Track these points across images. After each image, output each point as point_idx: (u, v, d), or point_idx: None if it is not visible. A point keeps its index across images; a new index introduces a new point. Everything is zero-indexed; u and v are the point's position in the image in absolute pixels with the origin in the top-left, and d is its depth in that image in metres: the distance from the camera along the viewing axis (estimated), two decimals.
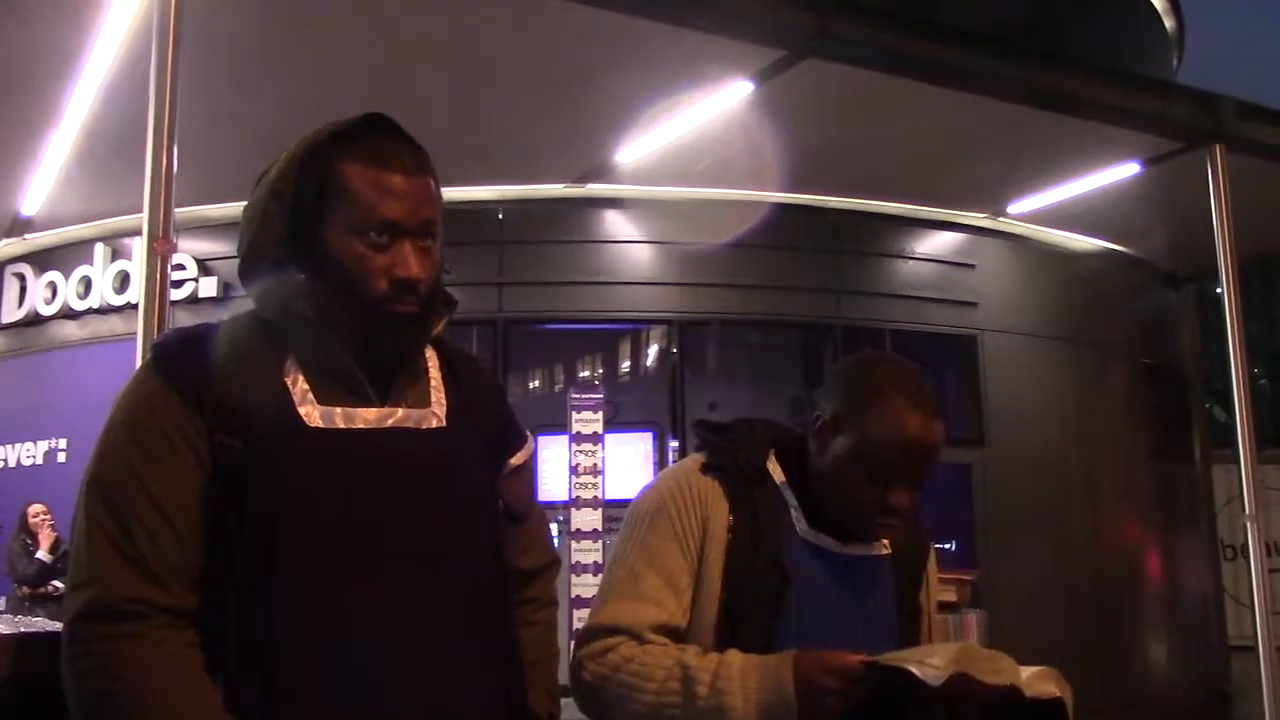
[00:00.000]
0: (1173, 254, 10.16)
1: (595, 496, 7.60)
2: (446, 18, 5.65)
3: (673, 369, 8.59)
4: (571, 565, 7.25)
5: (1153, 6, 14.56)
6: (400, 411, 1.62)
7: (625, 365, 10.43)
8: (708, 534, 1.85)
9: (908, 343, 8.59)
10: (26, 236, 9.01)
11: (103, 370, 7.58)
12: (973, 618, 6.28)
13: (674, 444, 8.32)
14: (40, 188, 7.87)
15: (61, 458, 8.77)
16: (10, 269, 9.27)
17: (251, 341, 1.59)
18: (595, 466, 7.65)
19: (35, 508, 8.35)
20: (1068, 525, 9.15)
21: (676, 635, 1.83)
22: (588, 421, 7.72)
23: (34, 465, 9.00)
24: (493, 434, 1.76)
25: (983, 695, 1.61)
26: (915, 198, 8.86)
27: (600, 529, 7.47)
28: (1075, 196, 8.43)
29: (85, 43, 5.66)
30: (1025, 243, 9.51)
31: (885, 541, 1.96)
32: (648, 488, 1.95)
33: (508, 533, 1.77)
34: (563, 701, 1.87)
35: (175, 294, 7.42)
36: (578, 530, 7.50)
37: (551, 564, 1.94)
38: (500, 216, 8.28)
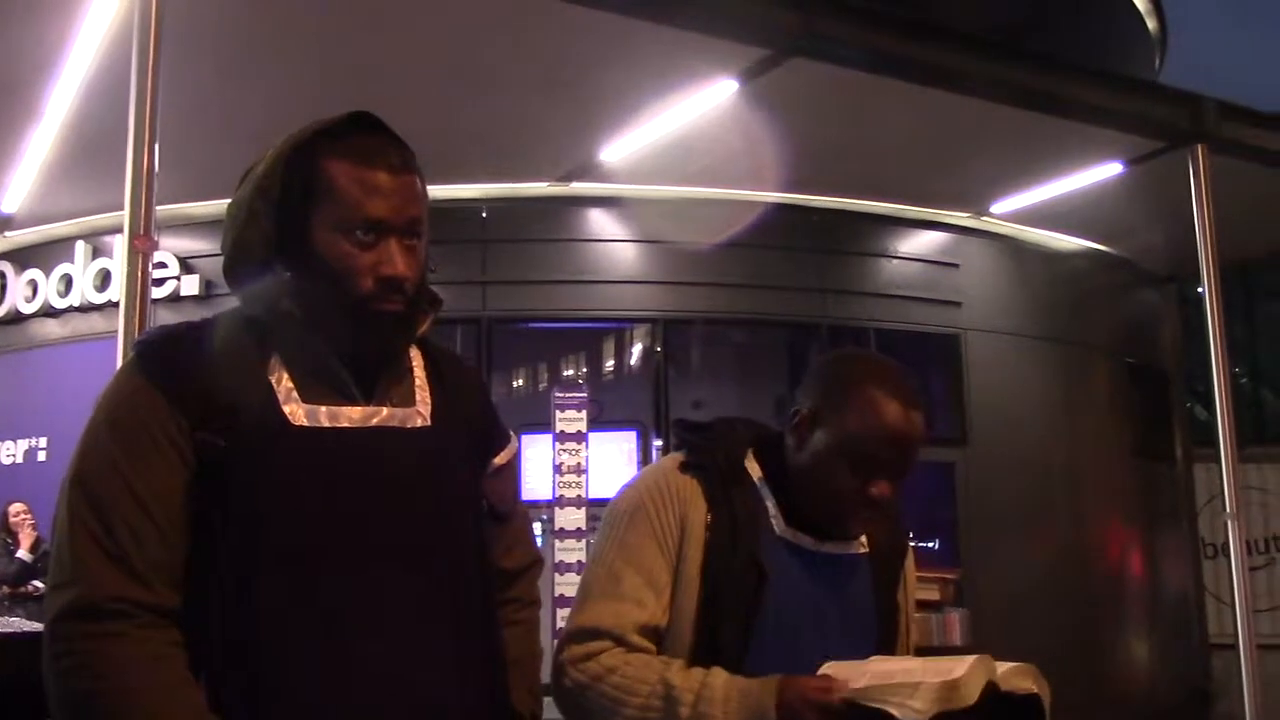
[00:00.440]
0: (1155, 254, 10.21)
1: (579, 495, 7.59)
2: (431, 15, 5.63)
3: (657, 368, 8.59)
4: (555, 564, 7.25)
5: (1135, 8, 14.63)
6: (385, 410, 1.61)
7: (609, 364, 10.42)
8: (686, 532, 1.85)
9: (892, 342, 8.61)
10: (7, 234, 8.96)
11: (83, 368, 7.54)
12: (955, 616, 6.30)
13: (658, 443, 8.32)
14: (20, 185, 7.82)
15: (42, 456, 8.72)
16: None
17: (236, 339, 1.58)
18: (579, 465, 7.64)
19: (15, 507, 8.30)
20: (1050, 524, 9.18)
21: (657, 634, 1.83)
22: (571, 420, 7.71)
23: (14, 464, 8.95)
24: (477, 433, 1.75)
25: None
26: (900, 197, 8.88)
27: (584, 528, 7.46)
28: (1058, 196, 8.46)
29: (66, 39, 5.62)
30: (1009, 242, 9.55)
31: (863, 540, 1.96)
32: (626, 487, 1.95)
33: (491, 532, 1.76)
34: (545, 700, 1.87)
35: (156, 292, 7.38)
36: (561, 529, 7.49)
37: (535, 564, 1.93)
38: (484, 215, 8.26)
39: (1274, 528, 15.69)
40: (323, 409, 1.56)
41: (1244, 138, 7.30)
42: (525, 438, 7.58)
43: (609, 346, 10.38)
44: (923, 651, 2.03)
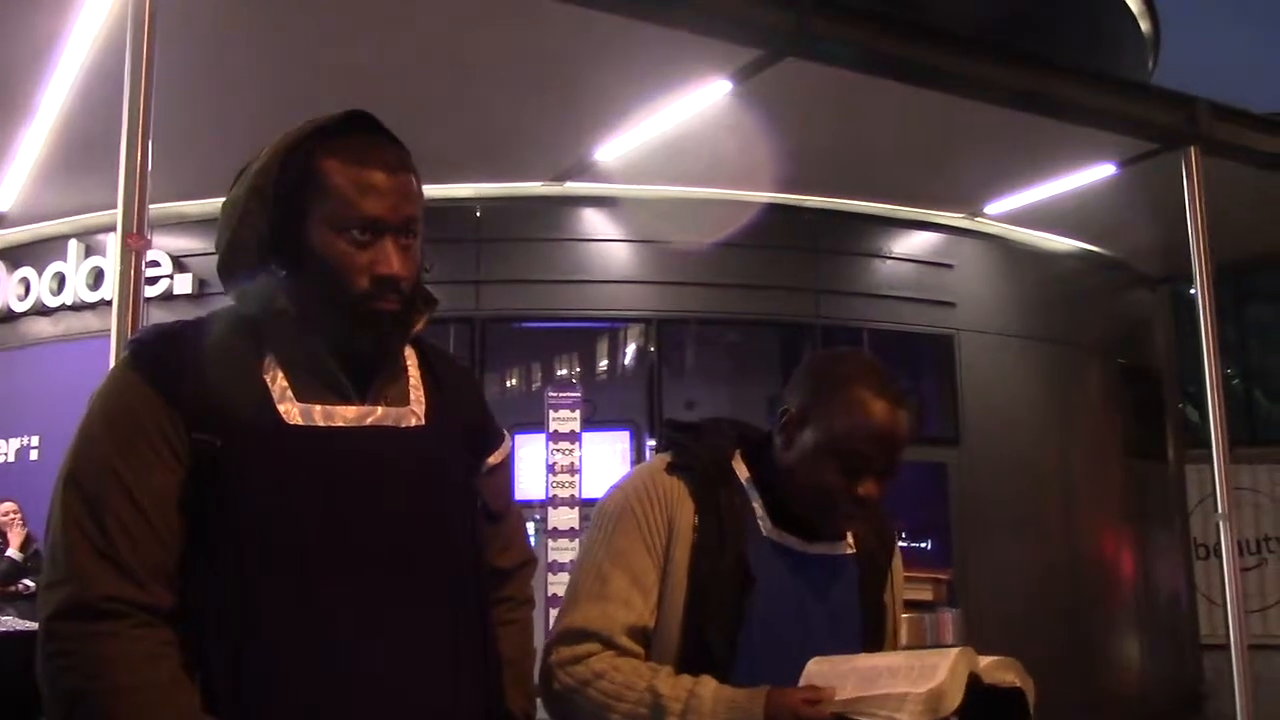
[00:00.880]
0: (1148, 255, 10.23)
1: (572, 495, 7.59)
2: (426, 14, 5.63)
3: (650, 368, 8.59)
4: (548, 564, 7.24)
5: (1128, 8, 14.65)
6: (379, 410, 1.61)
7: (603, 364, 10.41)
8: (673, 533, 1.85)
9: (885, 342, 8.62)
10: None
11: (76, 367, 7.52)
12: (948, 616, 6.31)
13: (651, 443, 8.32)
14: (13, 183, 7.80)
15: (34, 455, 8.70)
16: None
17: (230, 338, 1.58)
18: (572, 465, 7.64)
19: (5, 506, 8.28)
20: (1043, 524, 9.19)
21: (645, 635, 1.83)
22: (565, 420, 7.70)
23: (6, 463, 8.93)
24: (471, 433, 1.75)
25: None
26: (893, 198, 8.89)
27: (577, 528, 7.45)
28: (1052, 197, 8.47)
29: (60, 36, 5.61)
30: (1002, 243, 9.56)
31: (849, 540, 1.97)
32: (614, 488, 1.95)
33: (485, 532, 1.76)
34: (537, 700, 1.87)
35: (150, 290, 7.38)
36: (554, 529, 7.49)
37: (528, 563, 1.93)
38: (478, 214, 8.26)
39: (1265, 528, 15.74)
40: (317, 408, 1.56)
41: (1237, 139, 7.30)
42: (519, 437, 7.56)
43: (603, 346, 10.37)
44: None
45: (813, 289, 8.75)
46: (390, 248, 1.56)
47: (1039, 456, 9.38)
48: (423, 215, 1.61)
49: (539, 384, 10.72)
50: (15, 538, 8.20)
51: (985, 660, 1.69)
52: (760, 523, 1.89)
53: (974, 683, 1.64)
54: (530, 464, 7.70)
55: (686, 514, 1.86)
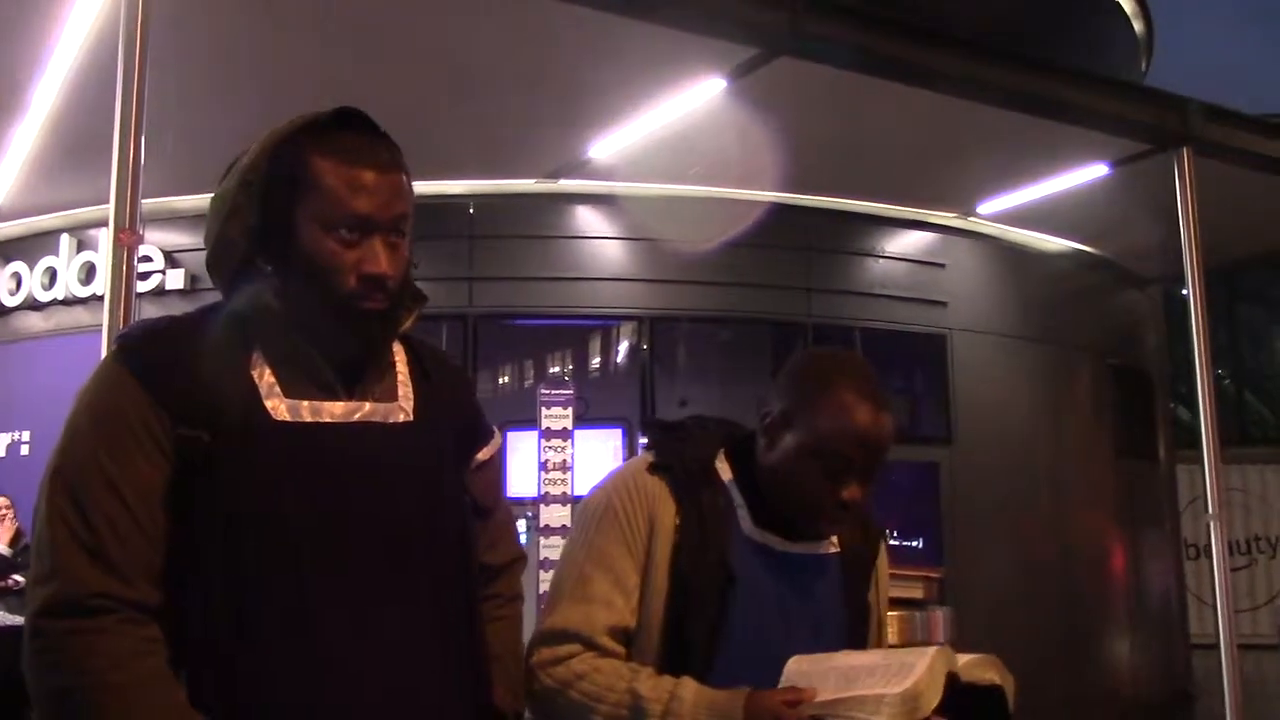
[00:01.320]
0: (1140, 256, 10.24)
1: (564, 493, 7.59)
2: (419, 12, 5.62)
3: (643, 365, 8.59)
4: (540, 561, 7.23)
5: (1122, 9, 14.67)
6: (367, 405, 1.61)
7: (595, 361, 10.41)
8: (654, 533, 1.85)
9: (878, 341, 8.63)
10: None
11: (67, 362, 7.49)
12: (939, 615, 6.30)
13: (644, 441, 8.30)
14: (5, 177, 7.77)
15: (25, 450, 8.67)
16: None
17: (218, 334, 1.58)
18: (564, 463, 7.63)
19: None
20: (1034, 523, 9.21)
21: (627, 635, 1.84)
22: (557, 417, 7.70)
23: None
24: (460, 428, 1.75)
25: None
26: (886, 197, 8.90)
27: (569, 525, 7.45)
28: (1044, 197, 8.49)
29: (53, 30, 5.59)
30: (994, 243, 9.57)
31: (834, 540, 1.97)
32: (596, 487, 1.95)
33: (474, 528, 1.76)
34: None
35: (141, 286, 7.33)
36: (546, 526, 7.48)
37: (518, 559, 1.93)
38: (471, 211, 8.25)
39: (1255, 529, 15.79)
40: (305, 404, 1.56)
41: (1229, 141, 7.32)
42: (511, 434, 7.57)
43: (595, 344, 10.37)
44: None
45: (805, 287, 8.76)
46: (378, 247, 1.55)
47: (1031, 456, 9.40)
48: (413, 213, 1.61)
49: (531, 381, 10.71)
50: (5, 533, 8.16)
51: (964, 659, 1.69)
52: (743, 523, 1.89)
53: (953, 681, 1.65)
54: (522, 461, 7.69)
55: (668, 513, 1.86)
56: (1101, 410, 10.23)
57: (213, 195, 1.63)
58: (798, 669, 1.71)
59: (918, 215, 9.15)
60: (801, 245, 8.78)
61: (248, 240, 1.58)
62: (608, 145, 7.43)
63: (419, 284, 1.69)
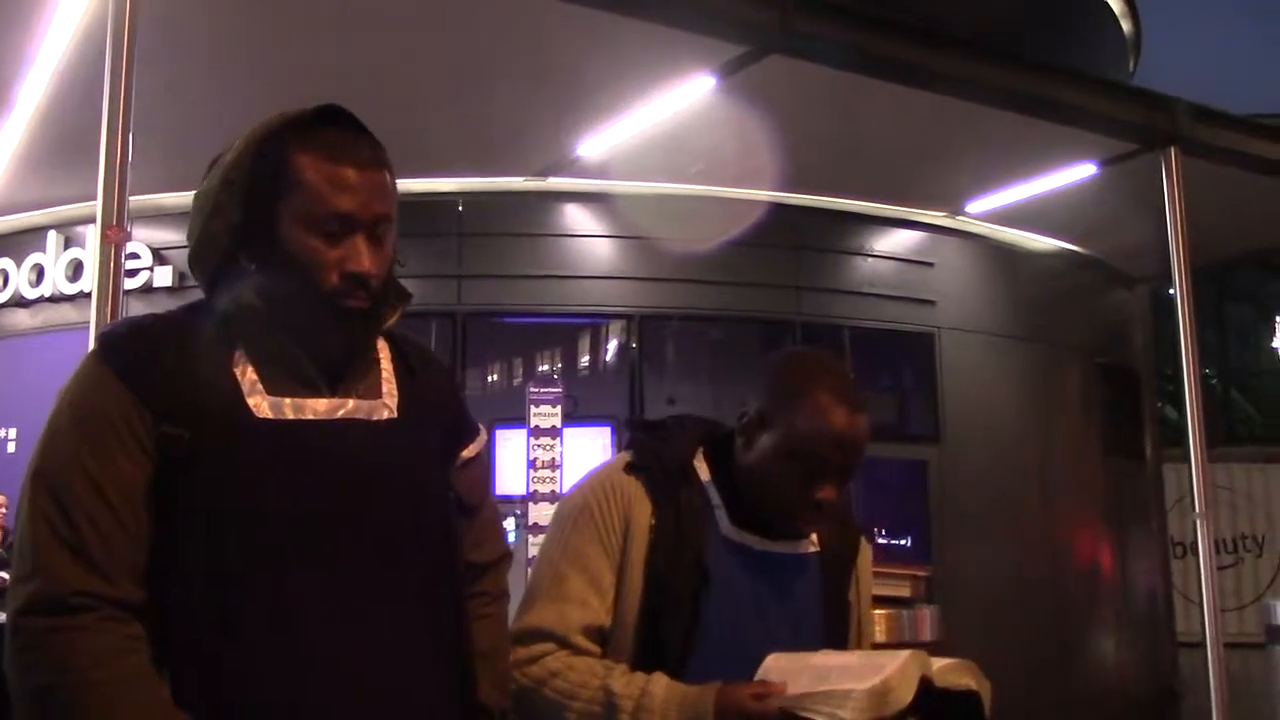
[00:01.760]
0: (1127, 255, 10.28)
1: (553, 491, 7.58)
2: (408, 8, 5.61)
3: (632, 364, 8.59)
4: (529, 559, 7.22)
5: (1110, 9, 14.71)
6: (351, 403, 1.60)
7: (584, 359, 10.39)
8: (630, 533, 1.86)
9: (866, 340, 8.65)
10: None
11: (54, 359, 7.38)
12: (926, 613, 6.31)
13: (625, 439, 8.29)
14: None
15: (11, 448, 8.64)
16: None
17: (201, 331, 1.57)
18: (553, 461, 7.63)
19: None
20: (1022, 522, 9.23)
21: (602, 635, 1.85)
22: (546, 416, 7.69)
23: None
24: (445, 426, 1.74)
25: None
26: (875, 196, 8.91)
27: None
28: (1032, 196, 8.51)
29: (39, 27, 5.57)
30: (983, 242, 9.59)
31: (813, 539, 1.97)
32: (574, 487, 1.96)
33: (460, 526, 1.75)
34: None
35: (129, 283, 7.29)
36: (535, 524, 7.48)
37: (504, 557, 1.92)
38: (460, 209, 8.24)
39: (1242, 528, 15.86)
40: (287, 401, 1.55)
41: (1217, 140, 7.34)
42: (500, 432, 7.56)
43: (584, 342, 10.36)
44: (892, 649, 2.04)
45: (794, 286, 8.77)
46: (361, 244, 1.55)
47: (1018, 454, 9.42)
48: (397, 211, 1.60)
49: (520, 379, 10.69)
50: None
51: (939, 663, 1.69)
52: (720, 522, 1.90)
53: (927, 686, 1.64)
54: (511, 459, 7.69)
55: (644, 513, 1.87)
56: (1089, 409, 10.26)
57: (196, 193, 1.62)
58: (774, 665, 1.72)
59: (906, 214, 9.16)
60: (790, 244, 8.79)
61: (230, 238, 1.57)
62: (597, 143, 7.43)
63: (407, 282, 1.68)
